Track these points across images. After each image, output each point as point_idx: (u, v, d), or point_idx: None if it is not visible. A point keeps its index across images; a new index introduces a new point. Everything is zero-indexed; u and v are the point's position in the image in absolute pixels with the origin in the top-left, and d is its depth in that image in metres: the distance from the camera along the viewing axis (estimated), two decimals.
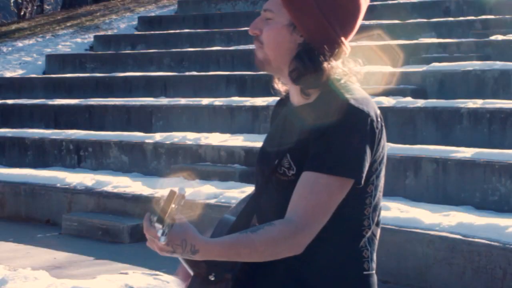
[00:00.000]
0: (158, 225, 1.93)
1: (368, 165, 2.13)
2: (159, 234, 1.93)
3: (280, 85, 2.38)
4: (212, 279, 2.15)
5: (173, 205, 1.93)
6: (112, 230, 7.25)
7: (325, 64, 2.17)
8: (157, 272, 5.77)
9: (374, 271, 2.26)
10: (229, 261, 2.07)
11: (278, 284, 2.20)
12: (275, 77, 2.36)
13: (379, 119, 2.17)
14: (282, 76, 2.27)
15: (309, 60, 2.17)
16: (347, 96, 2.14)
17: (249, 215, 2.28)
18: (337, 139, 2.09)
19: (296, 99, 2.25)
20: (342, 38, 2.23)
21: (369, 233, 2.23)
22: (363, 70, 2.27)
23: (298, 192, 2.10)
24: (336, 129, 2.09)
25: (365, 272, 2.23)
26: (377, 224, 2.26)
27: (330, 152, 2.09)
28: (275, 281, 2.21)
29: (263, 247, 2.04)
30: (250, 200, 2.32)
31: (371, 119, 2.13)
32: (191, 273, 2.18)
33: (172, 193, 1.93)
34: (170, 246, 1.98)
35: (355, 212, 2.18)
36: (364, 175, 2.12)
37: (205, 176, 7.81)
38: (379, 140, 2.17)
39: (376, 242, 2.28)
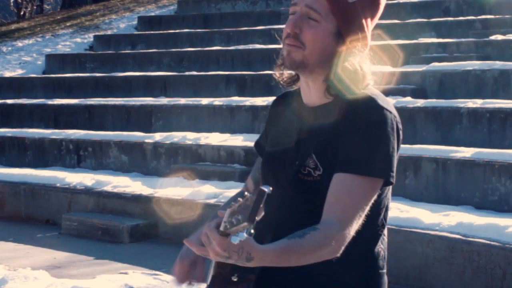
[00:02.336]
0: (245, 224, 1.84)
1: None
2: (245, 232, 1.87)
3: (287, 79, 2.33)
4: (235, 279, 2.14)
5: (261, 206, 1.87)
6: (112, 230, 7.25)
7: (362, 70, 2.21)
8: (157, 272, 5.77)
9: (386, 270, 2.27)
10: None
11: (298, 284, 2.20)
12: (282, 73, 2.31)
13: (400, 121, 2.21)
14: (311, 78, 2.23)
15: (350, 69, 2.18)
16: (373, 96, 2.16)
17: (266, 224, 2.21)
18: (369, 139, 2.11)
19: (315, 99, 2.23)
20: (368, 33, 2.26)
21: (382, 232, 2.25)
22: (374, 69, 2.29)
23: (335, 194, 2.09)
24: (367, 130, 2.11)
25: (380, 271, 2.24)
26: (385, 225, 2.29)
27: (362, 152, 2.10)
28: (295, 281, 2.21)
29: (311, 252, 2.04)
30: (270, 204, 2.27)
31: (396, 119, 2.17)
32: (211, 273, 2.17)
33: (262, 192, 1.85)
34: (226, 252, 1.93)
35: (375, 212, 2.19)
36: (395, 175, 2.16)
37: (205, 176, 7.81)
38: (400, 139, 2.21)
39: (386, 241, 2.29)
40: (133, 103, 10.22)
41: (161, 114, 9.82)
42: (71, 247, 6.95)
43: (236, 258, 1.94)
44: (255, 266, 2.02)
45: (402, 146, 7.36)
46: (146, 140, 8.82)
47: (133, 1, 19.04)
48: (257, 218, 1.86)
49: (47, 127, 10.71)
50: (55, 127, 10.62)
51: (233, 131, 8.94)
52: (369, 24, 2.23)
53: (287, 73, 2.31)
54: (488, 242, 5.24)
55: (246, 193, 1.89)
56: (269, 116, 2.44)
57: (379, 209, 2.21)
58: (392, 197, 7.28)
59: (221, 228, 1.90)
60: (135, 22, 16.36)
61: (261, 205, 1.86)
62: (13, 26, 18.59)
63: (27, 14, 23.59)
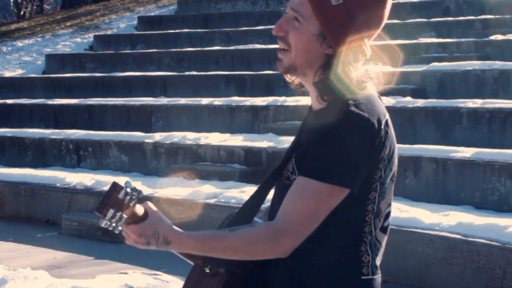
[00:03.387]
0: (97, 214, 2.09)
1: (366, 172, 2.11)
2: (103, 224, 2.09)
3: (297, 83, 2.33)
4: (208, 271, 2.21)
5: (119, 196, 2.07)
6: (112, 230, 7.24)
7: (353, 74, 2.18)
8: (157, 272, 5.77)
9: (376, 276, 2.22)
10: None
11: (276, 282, 2.22)
12: (289, 76, 2.30)
13: (382, 125, 2.15)
14: (306, 81, 2.24)
15: (338, 72, 2.16)
16: (350, 102, 2.12)
17: (251, 211, 2.26)
18: (332, 144, 2.08)
19: (314, 103, 2.24)
20: (368, 44, 2.23)
21: (371, 238, 2.20)
22: (377, 70, 2.28)
23: (288, 196, 2.12)
24: (332, 135, 2.08)
25: (363, 277, 2.19)
26: (383, 230, 2.24)
27: (322, 158, 2.08)
28: (273, 278, 2.23)
29: (238, 245, 2.08)
30: (254, 195, 2.30)
31: (371, 124, 2.11)
32: (191, 263, 2.26)
33: (113, 184, 2.07)
34: (143, 238, 2.09)
35: (355, 218, 2.16)
36: (357, 183, 2.10)
37: (205, 176, 7.81)
38: (382, 146, 2.15)
39: (381, 247, 2.25)
40: (133, 103, 10.22)
41: (161, 114, 9.82)
42: (71, 247, 6.95)
43: (155, 242, 2.10)
44: (181, 252, 2.17)
45: (402, 146, 7.33)
46: (146, 140, 8.82)
47: (133, 1, 19.04)
48: (136, 212, 2.09)
49: (47, 127, 10.71)
50: (55, 127, 10.62)
51: (233, 131, 8.94)
52: (363, 27, 2.18)
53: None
54: (488, 242, 5.24)
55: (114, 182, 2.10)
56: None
57: (363, 215, 2.17)
58: (392, 197, 7.21)
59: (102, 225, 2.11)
60: (135, 22, 16.37)
61: (112, 196, 2.06)
62: (13, 26, 18.59)
63: (27, 14, 23.59)
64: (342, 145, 2.08)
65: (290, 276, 2.19)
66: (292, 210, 2.09)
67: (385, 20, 2.24)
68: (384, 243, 2.26)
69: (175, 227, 2.11)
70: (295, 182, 2.12)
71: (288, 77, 2.31)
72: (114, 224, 2.08)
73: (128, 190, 2.07)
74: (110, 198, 2.06)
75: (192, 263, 2.25)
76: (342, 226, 2.14)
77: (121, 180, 8.38)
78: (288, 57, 2.19)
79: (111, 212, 2.06)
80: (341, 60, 2.16)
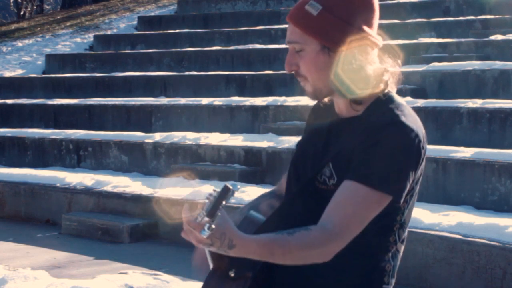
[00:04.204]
0: (206, 219, 1.93)
1: (409, 185, 2.14)
2: (206, 227, 1.94)
3: (328, 101, 2.34)
4: (232, 275, 2.15)
5: (224, 202, 1.94)
6: (112, 230, 7.25)
7: (368, 67, 2.19)
8: (157, 272, 5.77)
9: (392, 286, 2.27)
10: (251, 260, 2.06)
11: (296, 286, 2.20)
12: (322, 101, 2.32)
13: (425, 140, 2.21)
14: (334, 96, 2.25)
15: (353, 73, 2.18)
16: (398, 112, 2.15)
17: (278, 221, 2.24)
18: (384, 154, 2.09)
19: (345, 111, 2.24)
20: (370, 31, 2.21)
21: (394, 248, 2.23)
22: (400, 69, 2.29)
23: (336, 200, 2.09)
24: (385, 145, 2.10)
25: (384, 286, 2.25)
26: (402, 241, 2.26)
27: (375, 165, 2.09)
28: (294, 283, 2.21)
29: (297, 250, 2.03)
30: (281, 206, 2.29)
31: (419, 139, 2.17)
32: (211, 266, 2.18)
33: (226, 189, 1.94)
34: (209, 239, 1.96)
35: (384, 227, 2.18)
36: (404, 195, 2.13)
37: (205, 176, 7.81)
38: (423, 161, 2.22)
39: (399, 258, 2.28)
40: (133, 103, 10.22)
41: (161, 114, 9.82)
42: (71, 247, 6.95)
43: (219, 245, 1.96)
44: (254, 261, 2.04)
45: None
46: (146, 140, 8.82)
47: (133, 1, 19.04)
48: (219, 213, 1.94)
49: (47, 127, 10.71)
50: (55, 127, 10.62)
51: (233, 131, 8.94)
52: (357, 21, 2.18)
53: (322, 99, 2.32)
54: (488, 242, 5.24)
55: (213, 188, 1.96)
56: (309, 118, 2.44)
57: (391, 225, 2.19)
58: None
59: (197, 220, 1.96)
60: (135, 22, 16.37)
61: (224, 202, 1.93)
62: (13, 26, 18.59)
63: (27, 14, 23.59)
64: (394, 156, 2.10)
65: (313, 284, 2.18)
66: (342, 214, 2.07)
67: (377, 2, 2.24)
68: (401, 254, 2.29)
69: (238, 230, 2.02)
70: (343, 186, 2.09)
71: (322, 102, 2.32)
72: (212, 227, 1.97)
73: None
74: (220, 202, 1.95)
75: (212, 264, 2.18)
76: (372, 233, 2.15)
77: (121, 180, 8.34)
78: (309, 85, 2.20)
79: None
80: (341, 60, 2.17)
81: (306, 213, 2.19)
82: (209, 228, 1.93)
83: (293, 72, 2.21)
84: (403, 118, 2.14)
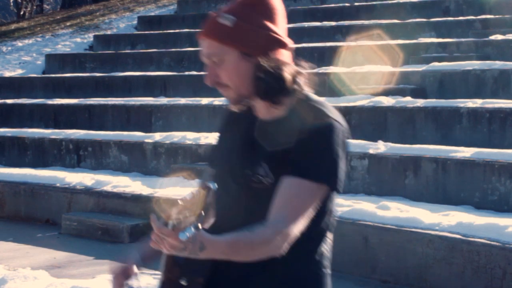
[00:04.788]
0: (191, 219, 1.93)
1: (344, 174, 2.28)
2: (192, 228, 1.94)
3: (243, 108, 2.41)
4: (184, 283, 2.22)
5: (207, 200, 1.97)
6: (112, 230, 7.25)
7: (285, 70, 2.27)
8: (157, 272, 5.76)
9: (329, 270, 2.38)
10: (200, 265, 2.15)
11: (244, 279, 2.28)
12: (239, 107, 2.39)
13: (348, 131, 2.32)
14: (254, 100, 2.33)
15: (273, 75, 2.25)
16: (323, 109, 2.27)
17: (223, 227, 2.30)
18: (320, 148, 2.21)
19: (266, 113, 2.33)
20: (283, 34, 2.31)
21: (326, 234, 2.36)
22: (311, 71, 2.35)
23: (283, 196, 2.19)
24: (319, 139, 2.22)
25: (324, 269, 2.35)
26: (332, 229, 2.38)
27: (314, 160, 2.21)
28: (241, 275, 2.28)
29: (259, 246, 2.13)
30: (218, 218, 2.38)
31: (343, 130, 2.27)
32: (162, 278, 2.26)
33: (207, 187, 1.96)
34: (182, 244, 1.99)
35: (318, 216, 2.27)
36: (342, 184, 2.27)
37: None
38: (347, 150, 2.32)
39: (331, 244, 2.39)
40: (133, 103, 10.22)
41: (161, 114, 9.82)
42: (71, 247, 6.95)
43: (191, 248, 2.00)
44: (203, 266, 2.13)
45: (402, 146, 7.34)
46: (146, 140, 8.82)
47: (133, 1, 19.04)
48: (203, 213, 1.95)
49: (47, 127, 10.71)
50: (55, 127, 10.62)
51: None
52: (271, 27, 2.28)
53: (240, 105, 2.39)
54: (488, 242, 5.24)
55: (192, 191, 1.98)
56: (226, 123, 2.51)
57: (323, 213, 2.30)
58: (392, 197, 7.24)
59: (170, 227, 1.95)
60: (135, 22, 16.36)
61: (208, 201, 1.95)
62: (13, 26, 18.59)
63: (27, 14, 23.59)
64: (329, 148, 2.22)
65: (261, 270, 2.25)
66: (291, 209, 2.18)
67: (281, 7, 2.34)
68: (331, 241, 2.41)
69: (205, 232, 2.07)
70: (286, 183, 2.20)
71: (238, 108, 2.39)
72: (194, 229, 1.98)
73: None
74: (204, 202, 1.98)
75: (163, 277, 2.24)
76: (311, 222, 2.25)
77: (121, 180, 8.30)
78: (232, 92, 2.29)
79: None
80: (267, 64, 2.26)
81: (247, 215, 2.27)
82: (195, 227, 1.94)
83: (215, 83, 2.30)
84: (329, 113, 2.25)
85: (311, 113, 2.25)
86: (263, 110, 2.33)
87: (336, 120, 2.25)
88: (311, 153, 2.21)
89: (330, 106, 2.30)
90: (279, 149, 2.25)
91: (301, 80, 2.30)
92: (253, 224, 2.15)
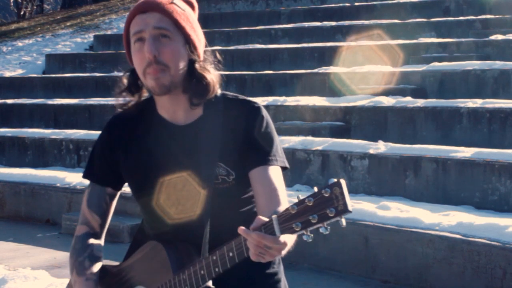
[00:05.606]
0: (338, 217, 1.91)
1: None
2: (324, 229, 1.93)
3: (131, 105, 2.40)
4: None
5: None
6: (112, 230, 7.25)
7: (214, 74, 2.30)
8: None
9: None
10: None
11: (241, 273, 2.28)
12: (121, 100, 2.40)
13: None
14: (173, 94, 2.28)
15: (207, 76, 2.27)
16: (242, 98, 2.34)
17: (189, 243, 2.29)
18: (269, 135, 2.30)
19: (183, 114, 2.30)
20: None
21: None
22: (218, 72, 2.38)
23: (269, 184, 2.23)
24: (264, 126, 2.29)
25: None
26: None
27: (272, 147, 2.28)
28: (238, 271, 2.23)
29: None
30: (171, 230, 2.35)
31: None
32: None
33: (340, 183, 1.92)
34: (287, 248, 2.01)
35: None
36: None
37: None
38: None
39: None
40: None
41: None
42: None
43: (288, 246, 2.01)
44: None
45: (402, 146, 7.31)
46: None
47: (133, 1, 19.04)
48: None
49: (47, 127, 10.71)
50: (55, 127, 10.62)
51: None
52: (200, 30, 2.35)
53: (127, 99, 2.40)
54: (488, 242, 5.24)
55: (315, 189, 1.92)
56: (112, 141, 2.43)
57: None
58: (392, 196, 7.23)
59: (293, 231, 1.92)
60: None
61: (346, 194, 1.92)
62: (13, 26, 18.59)
63: (27, 14, 23.60)
64: (273, 133, 2.32)
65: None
66: (283, 193, 2.24)
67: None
68: None
69: None
70: (262, 171, 2.24)
71: (120, 103, 2.41)
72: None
73: None
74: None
75: None
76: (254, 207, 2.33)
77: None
78: (168, 76, 2.23)
79: None
80: (205, 62, 2.30)
81: (216, 216, 2.27)
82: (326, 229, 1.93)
83: (154, 57, 2.21)
84: (252, 100, 2.33)
85: (243, 105, 2.30)
86: (181, 113, 2.30)
87: (260, 105, 2.32)
88: (268, 141, 2.28)
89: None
90: (226, 144, 2.26)
91: (220, 81, 2.32)
92: (237, 225, 2.07)
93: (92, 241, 2.49)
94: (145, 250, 2.35)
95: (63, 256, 6.69)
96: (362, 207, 6.12)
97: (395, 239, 5.70)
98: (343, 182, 1.88)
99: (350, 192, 6.98)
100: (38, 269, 5.90)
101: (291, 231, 1.91)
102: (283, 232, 1.92)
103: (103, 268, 2.44)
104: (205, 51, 2.34)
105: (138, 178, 2.38)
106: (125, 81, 2.38)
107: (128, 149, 2.39)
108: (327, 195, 1.88)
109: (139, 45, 2.24)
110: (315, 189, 1.91)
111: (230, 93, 2.36)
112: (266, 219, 1.94)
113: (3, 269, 5.90)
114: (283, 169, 2.32)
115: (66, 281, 5.54)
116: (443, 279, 5.43)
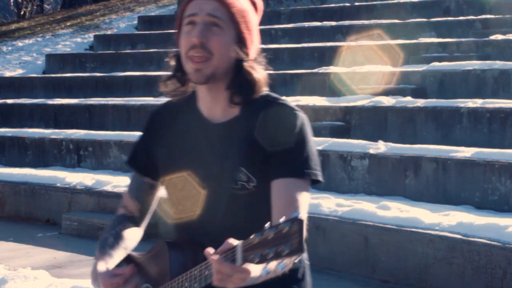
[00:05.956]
0: (295, 256, 1.82)
1: None
2: (282, 266, 1.86)
3: (176, 92, 2.35)
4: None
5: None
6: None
7: (261, 75, 2.25)
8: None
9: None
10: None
11: None
12: (168, 84, 2.35)
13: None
14: (215, 88, 2.23)
15: (254, 76, 2.22)
16: (282, 101, 2.24)
17: (195, 243, 2.22)
18: (302, 143, 2.18)
19: (220, 111, 2.25)
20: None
21: None
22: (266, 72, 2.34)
23: (285, 198, 2.13)
24: (297, 134, 2.18)
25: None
26: None
27: (300, 157, 2.17)
28: None
29: None
30: (189, 226, 2.29)
31: (306, 117, 2.26)
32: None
33: (300, 221, 1.80)
34: (261, 276, 1.91)
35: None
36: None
37: None
38: None
39: None
40: (133, 103, 10.22)
41: None
42: (71, 247, 6.95)
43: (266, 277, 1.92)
44: None
45: (402, 146, 7.31)
46: None
47: (133, 0, 19.04)
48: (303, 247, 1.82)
49: (47, 127, 10.71)
50: (55, 127, 10.62)
51: None
52: (257, 30, 2.30)
53: (175, 85, 2.34)
54: (488, 242, 5.24)
55: (269, 224, 1.82)
56: (153, 130, 2.39)
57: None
58: (392, 197, 7.23)
59: (239, 262, 1.84)
60: (135, 22, 16.36)
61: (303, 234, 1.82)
62: (13, 26, 18.59)
63: (27, 14, 23.59)
64: (308, 141, 2.20)
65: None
66: (299, 207, 2.13)
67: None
68: None
69: None
70: (281, 184, 2.14)
71: (164, 88, 2.36)
72: None
73: None
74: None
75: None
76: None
77: (121, 180, 8.31)
78: (210, 66, 2.18)
79: None
80: (255, 62, 2.25)
81: (231, 222, 2.20)
82: (283, 267, 1.86)
83: (201, 42, 2.17)
84: (291, 105, 2.22)
85: (277, 109, 2.21)
86: (220, 107, 2.25)
87: (300, 111, 2.23)
88: (297, 151, 2.17)
89: (285, 99, 2.27)
90: (252, 149, 2.18)
91: (266, 83, 2.27)
92: (250, 233, 2.02)
93: (124, 222, 2.40)
94: (155, 249, 2.31)
95: (63, 256, 6.69)
96: (362, 207, 6.11)
97: (395, 239, 5.69)
98: (303, 218, 1.78)
99: (350, 192, 6.98)
100: (38, 269, 5.89)
101: (251, 261, 1.81)
102: (244, 261, 1.83)
103: (129, 256, 2.38)
104: (257, 53, 2.28)
105: (165, 168, 2.34)
106: (172, 64, 2.35)
107: (162, 139, 2.35)
108: (284, 231, 1.78)
109: (189, 28, 2.20)
110: (281, 220, 1.80)
111: (273, 95, 2.28)
112: (234, 244, 1.85)
113: (3, 269, 5.90)
114: (315, 182, 2.22)
115: (66, 281, 5.54)
116: (443, 279, 5.43)
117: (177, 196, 2.32)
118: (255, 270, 1.87)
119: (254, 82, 2.21)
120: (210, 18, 2.18)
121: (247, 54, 2.22)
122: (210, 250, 1.88)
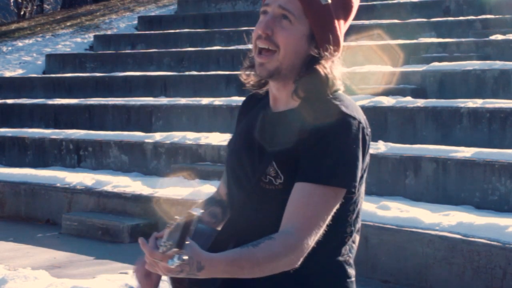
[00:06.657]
0: (175, 249, 1.86)
1: (360, 174, 2.10)
2: (176, 258, 1.88)
3: (254, 83, 2.29)
4: None
5: (191, 229, 1.86)
6: (112, 230, 7.25)
7: (333, 74, 2.14)
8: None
9: (354, 279, 2.21)
10: (210, 278, 1.99)
11: None
12: (249, 76, 2.27)
13: (367, 125, 2.15)
14: (282, 83, 2.17)
15: (321, 73, 2.12)
16: (337, 102, 2.10)
17: (232, 230, 2.18)
18: (332, 148, 2.05)
19: (282, 103, 2.19)
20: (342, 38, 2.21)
21: (350, 240, 2.19)
22: (359, 70, 2.27)
23: (294, 204, 2.04)
24: (331, 138, 2.05)
25: (349, 280, 2.18)
26: (358, 231, 2.22)
27: (325, 162, 2.04)
28: None
29: (265, 261, 1.98)
30: (231, 214, 2.24)
31: (362, 126, 2.10)
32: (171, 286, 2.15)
33: (190, 216, 1.85)
34: (179, 267, 1.89)
35: (339, 219, 2.12)
36: (357, 185, 2.09)
37: (205, 176, 7.80)
38: (368, 148, 2.14)
39: (355, 248, 2.23)
40: (133, 103, 10.22)
41: (161, 114, 9.82)
42: (71, 247, 6.95)
43: (188, 270, 1.90)
44: (209, 278, 1.97)
45: (402, 146, 7.31)
46: (146, 140, 8.82)
47: (133, 1, 19.04)
48: (187, 242, 1.86)
49: (47, 127, 10.71)
50: (55, 127, 10.62)
51: (233, 131, 8.93)
52: (342, 27, 2.18)
53: (254, 76, 2.25)
54: (488, 242, 5.24)
55: (177, 217, 1.86)
56: (239, 115, 2.40)
57: (346, 216, 2.15)
58: (392, 197, 7.23)
59: (160, 251, 1.90)
60: (135, 22, 16.36)
61: (191, 229, 1.84)
62: (13, 26, 18.59)
63: (27, 14, 23.60)
64: (342, 148, 2.05)
65: (281, 285, 2.11)
66: (304, 217, 2.02)
67: (356, 7, 2.23)
68: (357, 244, 2.24)
69: (203, 251, 1.95)
70: (297, 188, 2.05)
71: (244, 77, 2.27)
72: (182, 257, 1.90)
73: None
74: (187, 231, 1.87)
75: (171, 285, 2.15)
76: (331, 230, 2.09)
77: (121, 180, 8.31)
78: (275, 60, 2.12)
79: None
80: (330, 60, 2.14)
81: (258, 216, 2.14)
82: (179, 258, 1.87)
83: (266, 34, 2.11)
84: (343, 108, 2.08)
85: (323, 108, 2.09)
86: (282, 99, 2.18)
87: (350, 115, 2.07)
88: (323, 155, 2.03)
89: (347, 98, 2.15)
90: (288, 146, 2.09)
91: (342, 82, 2.18)
92: (267, 233, 2.01)
93: (213, 204, 2.37)
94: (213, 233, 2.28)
95: (63, 256, 6.69)
96: (362, 207, 6.11)
97: (395, 239, 5.70)
98: (191, 217, 1.80)
99: None
100: (38, 269, 5.89)
101: (164, 251, 1.86)
102: (161, 248, 1.88)
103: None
104: (336, 51, 2.17)
105: (228, 153, 2.33)
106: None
107: (238, 126, 2.35)
108: (173, 225, 1.85)
109: (262, 17, 2.14)
110: (177, 217, 1.84)
111: (341, 96, 2.14)
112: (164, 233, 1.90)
113: (3, 269, 5.90)
114: (349, 192, 2.08)
115: (66, 281, 5.54)
116: (443, 279, 5.43)
117: (227, 181, 2.30)
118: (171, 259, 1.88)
119: (321, 80, 2.11)
120: (280, 11, 2.10)
121: (319, 51, 2.13)
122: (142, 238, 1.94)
